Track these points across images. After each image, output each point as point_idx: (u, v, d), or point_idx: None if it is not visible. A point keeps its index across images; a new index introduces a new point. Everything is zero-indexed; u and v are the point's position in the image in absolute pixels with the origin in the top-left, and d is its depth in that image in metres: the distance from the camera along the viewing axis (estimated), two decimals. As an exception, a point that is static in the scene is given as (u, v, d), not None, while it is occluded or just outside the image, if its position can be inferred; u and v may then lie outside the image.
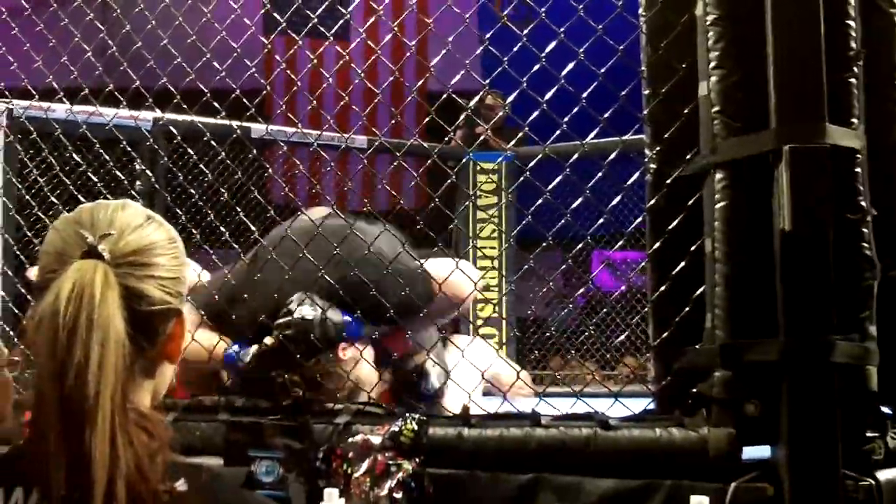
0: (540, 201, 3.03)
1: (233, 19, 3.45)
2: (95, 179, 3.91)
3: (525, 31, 2.89)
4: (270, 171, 6.66)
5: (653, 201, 2.61)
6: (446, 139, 6.70)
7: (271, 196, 7.46)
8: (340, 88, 3.51)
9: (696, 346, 2.42)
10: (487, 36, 3.00)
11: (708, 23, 2.43)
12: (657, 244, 2.58)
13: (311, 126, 6.54)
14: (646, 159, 2.66)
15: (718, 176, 2.38)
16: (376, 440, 2.58)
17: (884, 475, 2.24)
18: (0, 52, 3.94)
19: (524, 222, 3.07)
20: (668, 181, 2.56)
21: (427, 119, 3.40)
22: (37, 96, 3.98)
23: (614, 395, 2.66)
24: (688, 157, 2.52)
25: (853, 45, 2.37)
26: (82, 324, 1.49)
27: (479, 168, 7.50)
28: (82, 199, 3.66)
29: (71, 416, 1.45)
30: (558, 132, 2.90)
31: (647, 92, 2.66)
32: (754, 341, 2.27)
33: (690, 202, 2.50)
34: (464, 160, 6.79)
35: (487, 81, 3.30)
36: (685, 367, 2.45)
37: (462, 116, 6.91)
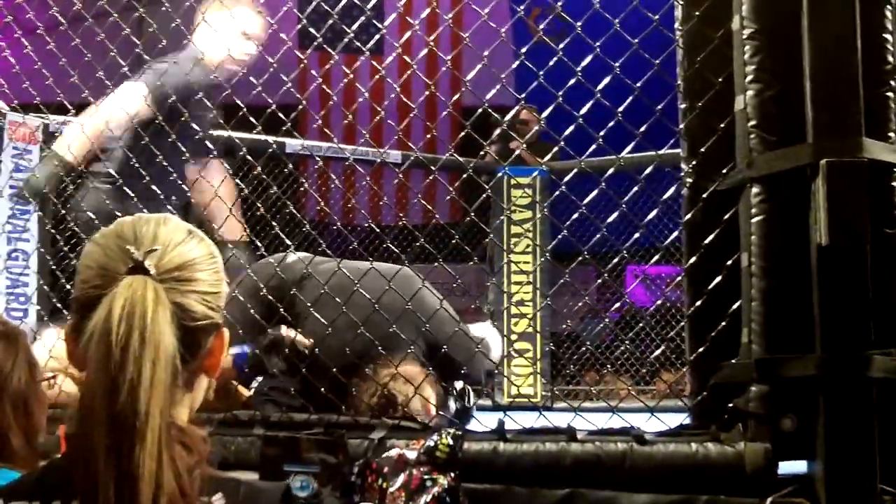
0: (575, 216, 3.04)
1: (268, 35, 3.47)
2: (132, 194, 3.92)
3: (560, 46, 2.89)
4: (305, 185, 6.67)
5: (689, 216, 2.61)
6: (481, 153, 6.70)
7: (304, 211, 7.48)
8: (374, 103, 3.52)
9: (733, 361, 2.42)
10: (523, 50, 2.99)
11: (745, 37, 2.42)
12: (694, 259, 2.57)
13: (344, 141, 6.56)
14: (681, 173, 2.66)
15: (755, 190, 2.37)
16: (412, 455, 2.58)
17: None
18: (36, 67, 3.96)
19: (559, 237, 3.08)
20: (705, 195, 2.56)
21: (462, 134, 3.40)
22: (73, 110, 3.99)
23: (650, 410, 2.65)
24: (724, 171, 2.52)
25: (890, 59, 2.36)
26: (135, 341, 1.49)
27: (513, 183, 7.48)
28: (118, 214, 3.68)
29: (122, 433, 1.45)
30: (594, 146, 2.90)
31: (683, 106, 2.66)
32: (791, 356, 2.26)
33: (727, 217, 2.49)
34: (498, 174, 6.80)
35: (523, 96, 3.30)
36: (721, 381, 2.44)
37: (497, 131, 6.95)
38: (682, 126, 2.66)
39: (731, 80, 2.50)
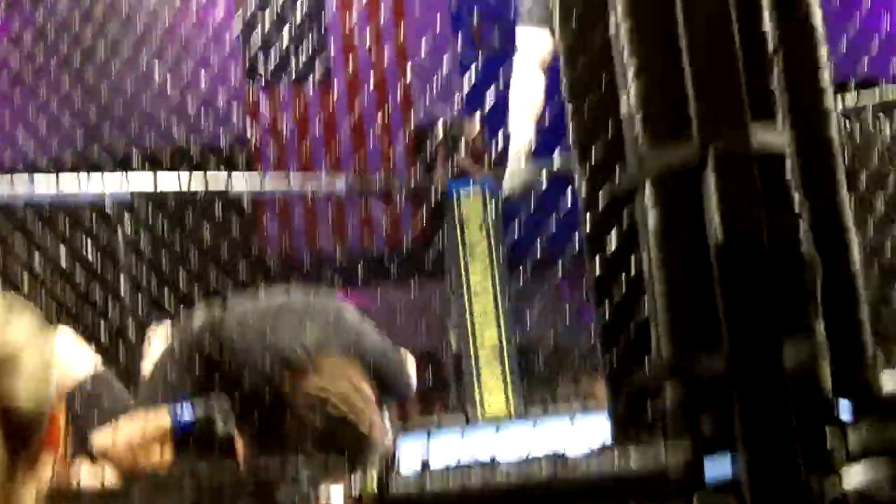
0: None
1: (214, 75, 3.46)
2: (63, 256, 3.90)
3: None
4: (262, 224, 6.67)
5: (588, 222, 2.58)
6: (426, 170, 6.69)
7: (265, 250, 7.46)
8: (326, 132, 3.53)
9: (645, 365, 2.39)
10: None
11: (623, 36, 2.40)
12: (597, 266, 2.54)
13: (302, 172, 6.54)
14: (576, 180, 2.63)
15: (648, 190, 2.34)
16: (337, 495, 2.56)
17: (846, 471, 2.20)
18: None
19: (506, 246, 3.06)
20: (600, 200, 2.53)
21: (386, 151, 3.40)
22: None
23: (570, 416, 2.63)
24: (617, 173, 2.50)
25: (770, 43, 2.33)
26: None
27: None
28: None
29: None
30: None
31: (569, 110, 2.62)
32: (700, 355, 2.23)
33: (625, 219, 2.46)
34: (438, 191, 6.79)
35: (458, 109, 3.30)
36: (636, 387, 2.41)
37: (438, 146, 6.93)
38: (570, 132, 2.63)
39: (616, 80, 2.48)
